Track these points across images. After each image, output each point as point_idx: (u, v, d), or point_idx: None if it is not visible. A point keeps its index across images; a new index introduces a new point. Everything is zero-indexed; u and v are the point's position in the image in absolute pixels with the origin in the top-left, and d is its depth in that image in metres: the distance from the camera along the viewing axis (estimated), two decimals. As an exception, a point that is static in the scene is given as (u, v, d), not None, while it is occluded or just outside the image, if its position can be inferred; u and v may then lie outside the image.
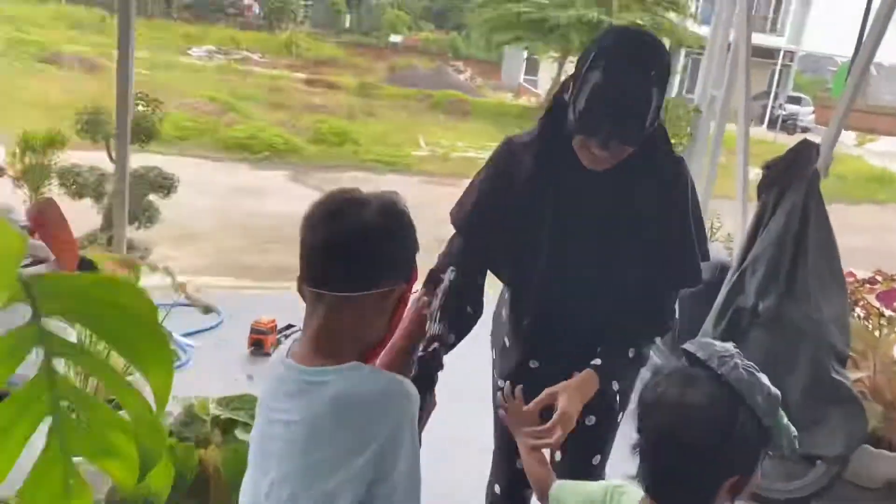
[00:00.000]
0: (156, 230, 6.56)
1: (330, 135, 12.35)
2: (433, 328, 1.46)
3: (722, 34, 5.39)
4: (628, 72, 1.52)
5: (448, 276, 1.55)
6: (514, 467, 1.87)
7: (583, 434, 1.74)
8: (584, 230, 1.72)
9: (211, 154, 10.87)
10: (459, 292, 1.64)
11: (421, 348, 1.42)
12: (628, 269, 1.72)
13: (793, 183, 3.18)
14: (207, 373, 3.73)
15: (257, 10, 38.52)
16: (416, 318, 1.48)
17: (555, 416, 1.56)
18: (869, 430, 3.23)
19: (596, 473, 1.93)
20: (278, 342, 4.07)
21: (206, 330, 4.23)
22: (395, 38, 39.36)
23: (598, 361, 1.69)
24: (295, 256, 5.21)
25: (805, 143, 3.22)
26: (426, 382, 1.38)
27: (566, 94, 1.61)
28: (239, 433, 2.24)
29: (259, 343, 3.97)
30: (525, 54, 24.21)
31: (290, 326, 4.23)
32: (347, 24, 44.49)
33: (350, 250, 1.25)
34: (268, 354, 3.96)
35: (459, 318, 1.67)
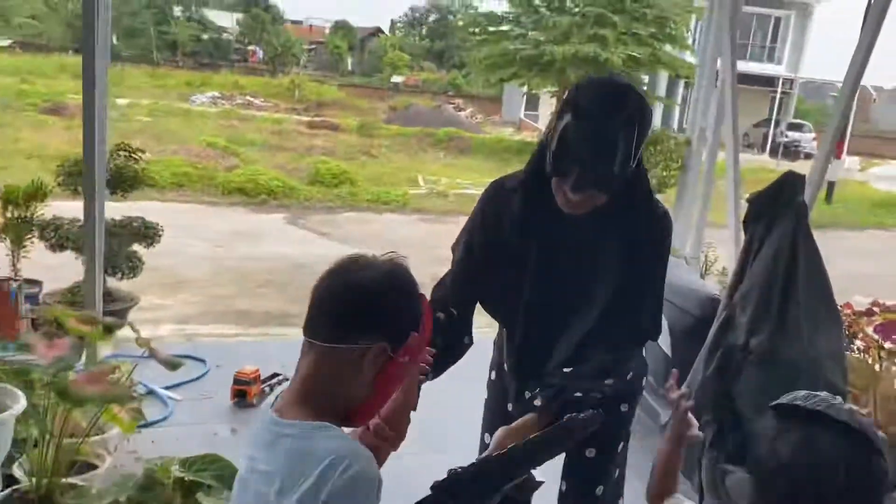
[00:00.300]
0: (148, 278, 6.52)
1: (328, 176, 12.36)
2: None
3: (710, 64, 5.36)
4: (596, 117, 1.57)
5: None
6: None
7: (583, 465, 1.89)
8: (564, 272, 1.78)
9: (208, 199, 10.89)
10: (447, 326, 1.77)
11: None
12: (601, 312, 1.78)
13: (779, 215, 3.09)
14: (188, 427, 3.64)
15: (261, 56, 39.16)
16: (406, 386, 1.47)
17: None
18: (873, 469, 3.10)
19: (591, 466, 1.95)
20: (263, 392, 3.98)
21: (191, 381, 4.14)
22: (396, 79, 39.83)
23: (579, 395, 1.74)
24: (287, 301, 5.15)
25: (790, 175, 3.13)
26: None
27: (546, 138, 1.68)
28: (202, 497, 2.14)
29: (242, 394, 3.87)
30: (525, 89, 24.33)
31: (275, 375, 4.14)
32: (349, 67, 45.13)
33: (335, 302, 1.29)
34: (252, 406, 3.87)
35: (445, 353, 1.76)
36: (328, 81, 34.99)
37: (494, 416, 2.03)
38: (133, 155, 4.47)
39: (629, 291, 1.78)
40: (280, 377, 4.14)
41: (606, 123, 1.57)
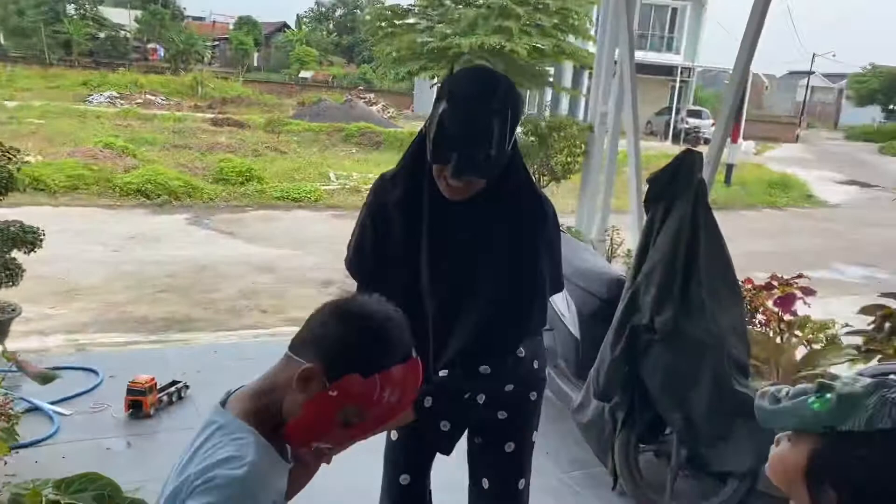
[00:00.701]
0: (38, 286, 6.11)
1: (233, 174, 11.92)
2: None
3: (608, 53, 5.40)
4: (471, 104, 1.62)
5: None
6: (398, 486, 1.99)
7: (504, 460, 1.95)
8: (452, 260, 1.78)
9: (105, 202, 10.33)
10: None
11: None
12: (493, 293, 1.78)
13: (679, 195, 3.09)
14: (77, 444, 3.39)
15: (162, 54, 37.74)
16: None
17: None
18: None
19: (511, 461, 1.97)
20: (160, 402, 3.75)
21: (82, 394, 3.88)
22: (304, 74, 39.17)
23: (486, 369, 1.79)
24: (190, 305, 4.85)
25: (688, 153, 3.14)
26: None
27: (425, 127, 1.71)
28: (78, 521, 1.95)
29: (137, 404, 3.63)
30: (435, 82, 24.26)
31: (174, 384, 3.92)
32: (255, 63, 44.07)
33: (310, 318, 1.34)
34: (148, 416, 3.65)
35: None
36: (233, 78, 34.09)
37: None
38: (7, 154, 4.13)
39: (517, 281, 1.79)
40: (179, 384, 3.92)
41: (480, 109, 1.61)
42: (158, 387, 3.78)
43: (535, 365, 1.96)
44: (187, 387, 3.97)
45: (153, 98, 25.30)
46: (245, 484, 1.18)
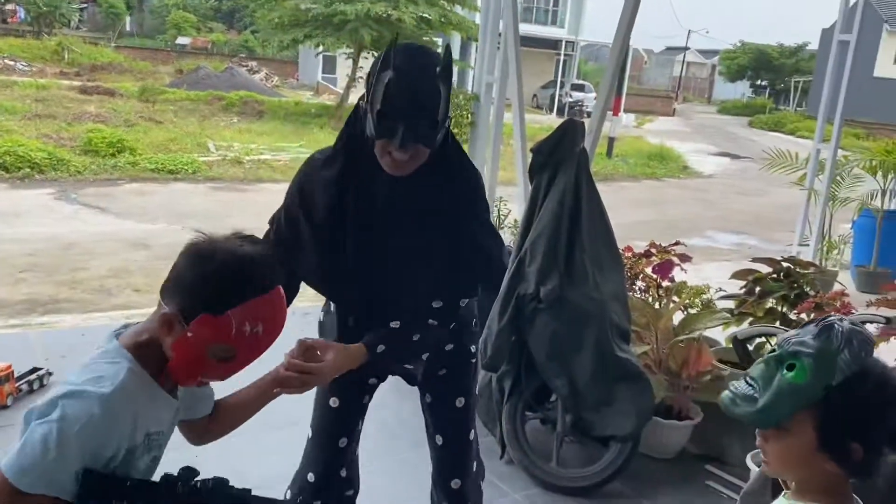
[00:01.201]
0: None
1: (103, 145, 11.16)
2: None
3: (492, 22, 5.35)
4: (417, 75, 1.63)
5: None
6: (335, 449, 2.04)
7: (455, 414, 2.10)
8: (387, 234, 1.81)
9: (-42, 176, 9.49)
10: None
11: None
12: (430, 269, 1.84)
13: (562, 163, 3.09)
14: (-79, 441, 3.07)
15: (22, 16, 34.97)
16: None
17: (315, 365, 1.68)
18: (657, 402, 3.24)
19: (462, 415, 2.11)
20: (19, 391, 3.46)
21: (-73, 386, 3.51)
22: (182, 41, 37.30)
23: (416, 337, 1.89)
24: (56, 285, 4.46)
25: (570, 122, 3.15)
26: None
27: (363, 102, 1.70)
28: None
29: (-9, 395, 3.33)
30: (320, 51, 23.68)
31: (34, 370, 3.62)
32: (128, 28, 41.58)
33: (172, 266, 1.37)
34: (5, 407, 3.35)
35: None
36: (103, 43, 32.05)
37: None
38: None
39: (452, 249, 1.85)
40: (41, 371, 3.63)
41: (426, 80, 1.64)
42: (17, 375, 3.49)
43: (474, 324, 2.14)
44: (50, 373, 3.68)
45: (13, 64, 23.39)
46: (106, 402, 1.25)
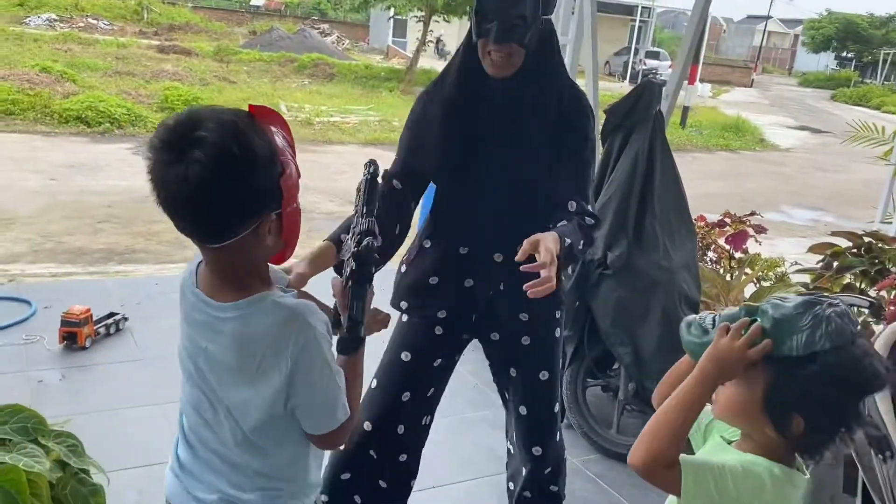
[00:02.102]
0: (-31, 215, 5.82)
1: (179, 102, 11.41)
2: (360, 224, 1.43)
3: (568, -13, 5.20)
4: None
5: (366, 171, 1.52)
6: (395, 402, 2.05)
7: (540, 388, 2.09)
8: (490, 138, 1.89)
9: (42, 129, 9.84)
10: (392, 202, 1.89)
11: (354, 245, 1.38)
12: (537, 173, 1.90)
13: (637, 126, 3.02)
14: (8, 376, 3.24)
15: (105, -25, 35.87)
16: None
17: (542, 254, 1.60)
18: (723, 375, 3.17)
19: (547, 388, 2.10)
20: (97, 334, 3.60)
21: (13, 325, 3.71)
22: (256, 2, 37.72)
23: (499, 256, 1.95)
24: (131, 236, 4.61)
25: (647, 83, 3.07)
26: (363, 275, 1.34)
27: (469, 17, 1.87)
28: (-1, 453, 1.83)
29: (71, 336, 3.48)
30: (391, 14, 23.63)
31: (111, 315, 3.77)
32: (205, -12, 42.27)
33: (196, 209, 1.19)
34: (83, 349, 3.50)
35: (388, 220, 1.83)
36: (181, 4, 32.69)
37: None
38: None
39: (554, 170, 1.89)
40: (117, 316, 3.77)
41: None
42: (95, 318, 3.63)
43: (561, 294, 2.09)
44: (126, 319, 3.82)
45: (95, 22, 24.08)
46: (317, 315, 1.29)
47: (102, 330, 3.64)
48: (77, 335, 3.48)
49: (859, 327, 1.20)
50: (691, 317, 1.33)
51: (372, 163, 1.54)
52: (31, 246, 5.43)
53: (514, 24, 1.78)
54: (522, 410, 2.12)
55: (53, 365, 3.37)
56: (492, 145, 1.90)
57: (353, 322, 1.31)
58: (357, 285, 1.31)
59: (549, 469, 2.20)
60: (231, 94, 13.60)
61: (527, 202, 1.92)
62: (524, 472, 2.21)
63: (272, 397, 1.27)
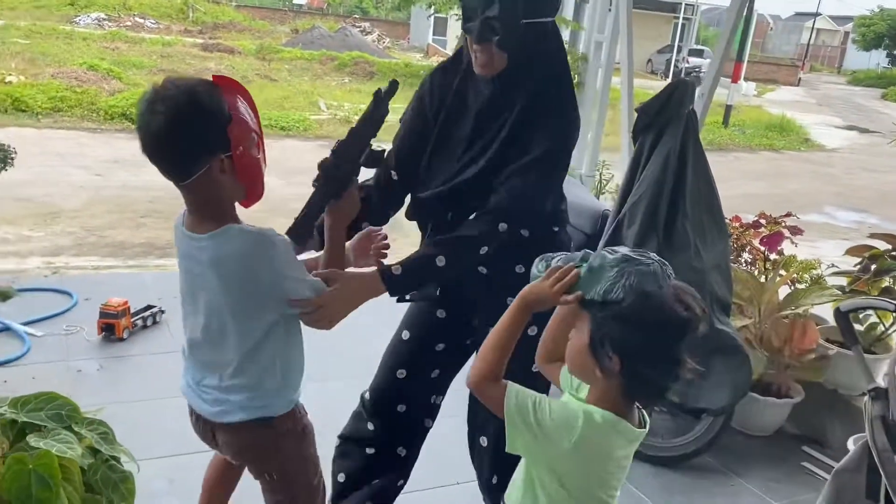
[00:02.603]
0: (19, 208, 6.01)
1: (221, 101, 11.66)
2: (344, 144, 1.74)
3: (606, -17, 5.17)
4: None
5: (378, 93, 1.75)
6: (390, 376, 2.12)
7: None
8: (460, 129, 1.92)
9: (89, 125, 10.11)
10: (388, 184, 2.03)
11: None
12: (481, 175, 1.86)
13: (669, 125, 2.98)
14: (48, 365, 3.34)
15: (152, -25, 36.57)
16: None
17: (319, 298, 1.69)
18: (755, 377, 3.12)
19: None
20: (134, 326, 3.70)
21: (55, 316, 3.82)
22: (298, 0, 38.13)
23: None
24: (169, 230, 4.71)
25: (680, 81, 3.03)
26: (326, 187, 1.73)
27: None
28: (33, 440, 1.89)
29: (109, 328, 3.58)
30: (432, 12, 23.65)
31: (148, 308, 3.86)
32: (249, -13, 42.84)
33: (163, 152, 1.52)
34: (121, 340, 3.60)
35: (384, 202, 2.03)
36: (225, 2, 33.21)
37: None
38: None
39: (508, 164, 1.83)
40: (154, 309, 3.86)
41: None
42: (133, 311, 3.72)
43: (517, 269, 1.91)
44: (163, 311, 3.91)
45: (142, 21, 24.61)
46: (266, 235, 1.60)
47: (139, 322, 3.73)
48: (115, 326, 3.58)
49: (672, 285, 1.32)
50: (547, 255, 1.46)
51: (393, 83, 1.76)
52: (74, 239, 5.59)
53: (492, 25, 1.78)
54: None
55: (92, 355, 3.47)
56: (446, 140, 1.94)
57: (301, 215, 1.73)
58: (317, 193, 1.70)
59: None
60: (272, 92, 13.79)
61: (459, 206, 1.89)
62: None
63: (261, 308, 1.61)
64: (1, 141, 4.27)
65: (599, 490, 1.38)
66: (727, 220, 3.27)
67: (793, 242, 3.62)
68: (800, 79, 34.72)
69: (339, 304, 1.68)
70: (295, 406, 1.75)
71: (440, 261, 1.78)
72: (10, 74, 11.71)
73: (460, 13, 1.89)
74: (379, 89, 1.76)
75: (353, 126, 1.77)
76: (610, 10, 5.10)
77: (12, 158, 4.15)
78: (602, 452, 1.35)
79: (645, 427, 1.41)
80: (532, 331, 1.60)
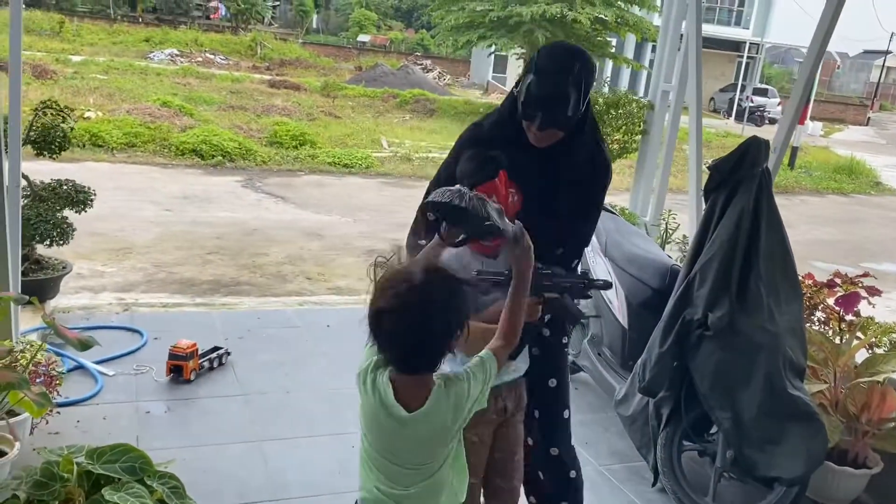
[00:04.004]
0: (92, 243, 6.22)
1: (287, 137, 11.92)
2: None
3: (674, 27, 5.16)
4: (552, 75, 2.08)
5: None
6: None
7: (549, 394, 2.41)
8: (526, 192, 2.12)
9: (160, 160, 10.46)
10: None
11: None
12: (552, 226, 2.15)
13: (742, 183, 2.93)
14: (118, 406, 3.43)
15: (224, 12, 37.95)
16: None
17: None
18: (831, 445, 3.00)
19: (555, 394, 2.42)
20: (201, 367, 3.76)
21: (126, 355, 3.92)
22: (362, 38, 38.99)
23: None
24: (238, 268, 4.82)
25: (754, 140, 2.97)
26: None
27: (515, 90, 2.18)
28: (108, 493, 1.94)
29: (178, 369, 3.65)
30: (492, 51, 23.91)
31: (215, 349, 3.93)
32: (315, 25, 44.06)
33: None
34: (188, 381, 3.67)
35: None
36: (292, 39, 34.17)
37: None
38: (62, 113, 4.15)
39: (569, 220, 2.23)
40: (221, 351, 3.93)
41: (560, 81, 2.07)
42: (200, 352, 3.80)
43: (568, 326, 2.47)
44: (228, 353, 3.98)
45: (213, 57, 25.52)
46: None
47: (206, 364, 3.80)
48: (183, 368, 3.65)
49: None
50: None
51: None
52: (145, 276, 5.75)
53: (558, 117, 2.08)
54: (535, 414, 2.39)
55: (160, 397, 3.54)
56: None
57: None
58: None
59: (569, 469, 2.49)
60: (336, 129, 14.07)
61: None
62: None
63: None
64: (81, 181, 4.46)
65: None
66: (800, 279, 3.18)
67: (870, 304, 3.49)
68: (869, 118, 33.79)
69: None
70: None
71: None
72: (88, 110, 12.23)
73: (520, 99, 2.09)
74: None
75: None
76: (679, 49, 5.06)
77: (92, 200, 4.32)
78: None
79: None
80: None
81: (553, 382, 2.40)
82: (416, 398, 1.57)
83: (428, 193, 2.10)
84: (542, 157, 2.18)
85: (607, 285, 2.24)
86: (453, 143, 2.33)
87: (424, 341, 1.52)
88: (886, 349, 3.38)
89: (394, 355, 1.55)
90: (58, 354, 3.57)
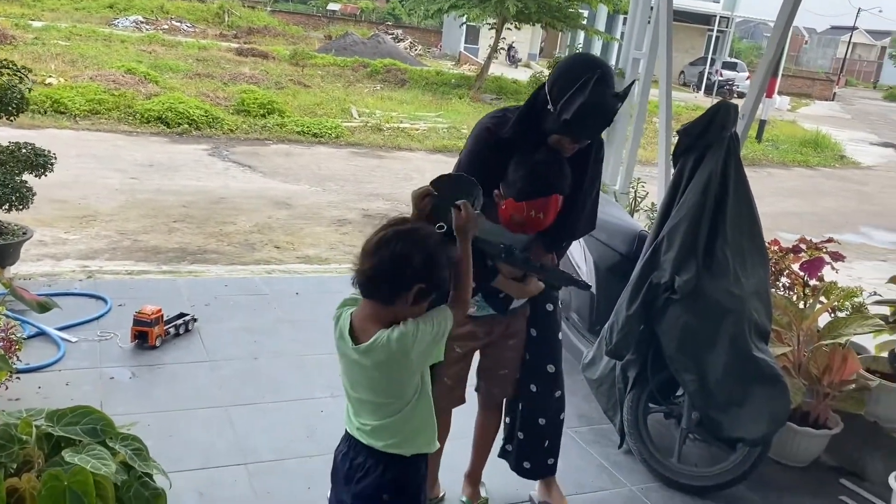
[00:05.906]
0: (55, 210, 6.08)
1: (255, 106, 11.72)
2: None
3: (644, -2, 5.12)
4: (604, 103, 2.18)
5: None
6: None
7: (547, 318, 2.61)
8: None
9: (125, 128, 10.23)
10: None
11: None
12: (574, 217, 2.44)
13: (710, 147, 2.94)
14: (82, 371, 3.37)
15: (189, -21, 37.07)
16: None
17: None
18: (793, 407, 3.05)
19: (554, 316, 2.64)
20: (167, 334, 3.71)
21: (89, 321, 3.85)
22: (332, 6, 38.36)
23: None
24: (204, 236, 4.74)
25: (722, 104, 2.98)
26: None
27: (549, 106, 2.22)
28: (68, 455, 1.89)
29: (143, 335, 3.60)
30: (464, 21, 23.68)
31: (181, 316, 3.88)
32: (284, -8, 43.24)
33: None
34: (153, 348, 3.61)
35: None
36: (260, 7, 33.53)
37: None
38: (18, 74, 4.01)
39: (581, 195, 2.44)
40: (187, 317, 3.88)
41: (610, 107, 2.19)
42: (166, 318, 3.74)
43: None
44: (195, 319, 3.92)
45: (179, 25, 24.96)
46: None
47: (172, 330, 3.75)
48: (148, 334, 3.59)
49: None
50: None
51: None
52: (109, 243, 5.64)
53: (600, 131, 2.34)
54: (532, 332, 2.59)
55: (124, 363, 3.49)
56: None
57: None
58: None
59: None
60: (305, 98, 13.87)
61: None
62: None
63: None
64: (42, 146, 4.34)
65: None
66: (766, 244, 3.21)
67: (833, 269, 3.55)
68: (835, 93, 34.23)
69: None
70: None
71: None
72: (50, 76, 11.91)
73: (567, 117, 2.15)
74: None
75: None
76: (649, 22, 5.05)
77: (52, 164, 4.21)
78: None
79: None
80: None
81: (551, 368, 2.59)
82: (366, 334, 1.72)
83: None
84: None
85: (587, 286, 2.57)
86: (467, 136, 2.45)
87: (388, 270, 1.66)
88: (849, 313, 3.44)
89: (360, 279, 1.69)
90: (19, 321, 3.49)
